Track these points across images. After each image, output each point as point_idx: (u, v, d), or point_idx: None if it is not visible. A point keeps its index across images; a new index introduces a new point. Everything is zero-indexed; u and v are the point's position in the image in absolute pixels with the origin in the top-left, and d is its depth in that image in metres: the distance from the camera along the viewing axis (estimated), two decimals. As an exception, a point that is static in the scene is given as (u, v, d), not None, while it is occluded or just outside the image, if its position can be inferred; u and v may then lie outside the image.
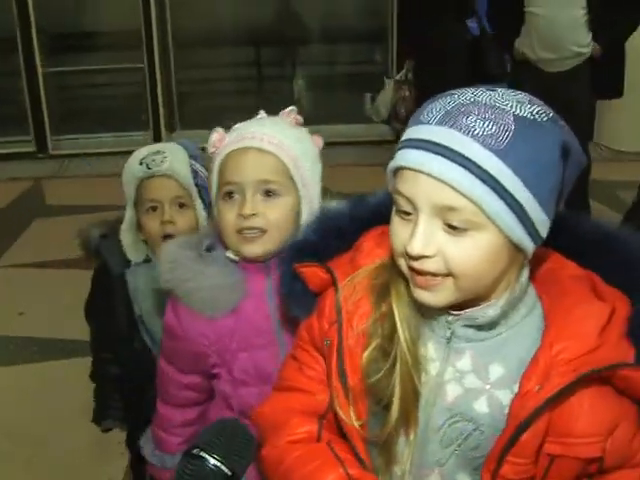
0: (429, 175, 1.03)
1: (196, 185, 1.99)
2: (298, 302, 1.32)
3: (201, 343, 1.62)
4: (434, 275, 1.08)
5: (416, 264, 1.08)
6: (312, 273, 1.26)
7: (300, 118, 1.67)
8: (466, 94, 1.07)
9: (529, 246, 1.07)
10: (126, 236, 2.01)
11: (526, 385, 1.09)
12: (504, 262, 1.08)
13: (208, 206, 1.95)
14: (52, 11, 7.12)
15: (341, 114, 7.53)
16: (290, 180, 1.55)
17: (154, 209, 1.96)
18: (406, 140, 1.08)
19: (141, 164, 1.96)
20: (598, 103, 5.83)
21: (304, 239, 1.31)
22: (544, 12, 4.63)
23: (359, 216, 1.27)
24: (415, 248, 1.06)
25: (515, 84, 4.81)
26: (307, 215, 1.55)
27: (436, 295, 1.10)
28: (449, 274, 1.07)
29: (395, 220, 1.12)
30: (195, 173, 2.00)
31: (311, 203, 1.59)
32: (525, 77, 4.70)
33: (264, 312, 1.59)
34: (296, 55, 8.20)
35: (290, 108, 1.65)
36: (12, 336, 3.82)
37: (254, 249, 1.54)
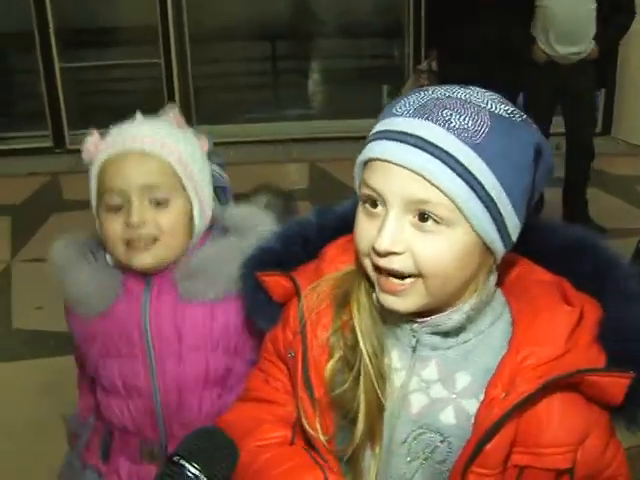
0: (402, 166, 0.99)
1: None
2: (262, 313, 1.27)
3: (79, 343, 1.58)
4: (402, 277, 1.03)
5: (383, 262, 1.02)
6: (275, 282, 1.21)
7: (181, 118, 1.53)
8: (440, 90, 1.03)
9: (500, 249, 1.04)
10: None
11: (491, 393, 1.03)
12: (475, 263, 1.04)
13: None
14: (69, 7, 7.15)
15: (357, 108, 7.51)
16: (179, 183, 1.44)
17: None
18: (377, 132, 1.04)
19: None
20: (616, 98, 5.81)
21: (267, 248, 1.26)
22: (561, 6, 4.61)
23: (326, 225, 1.23)
24: (383, 243, 1.00)
25: (529, 81, 4.83)
26: (199, 220, 1.48)
27: (404, 300, 1.05)
28: (418, 274, 1.02)
29: (361, 218, 1.06)
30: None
31: (203, 206, 1.49)
32: (539, 73, 4.71)
33: (135, 320, 1.48)
34: (311, 49, 8.19)
35: (170, 106, 1.55)
36: (30, 330, 3.84)
37: (145, 259, 1.44)
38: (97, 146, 1.44)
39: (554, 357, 1.02)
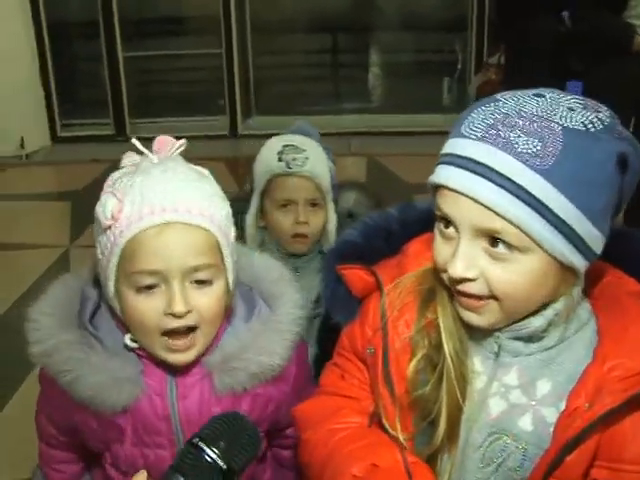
0: (468, 197, 0.98)
1: (332, 186, 1.97)
2: (340, 307, 1.26)
3: (82, 430, 1.35)
4: (479, 298, 1.03)
5: (459, 287, 1.04)
6: (355, 276, 1.20)
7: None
8: (510, 102, 1.00)
9: (580, 264, 1.01)
10: (251, 223, 1.99)
11: (574, 402, 1.02)
12: (552, 282, 1.02)
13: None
14: (133, -4, 7.24)
15: (416, 103, 7.45)
16: (221, 259, 1.24)
17: (286, 206, 1.91)
18: (446, 155, 1.03)
19: (280, 160, 1.92)
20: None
21: (349, 241, 1.25)
22: None
23: (409, 220, 1.22)
24: (457, 271, 1.01)
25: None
26: (231, 295, 1.29)
27: (481, 317, 1.06)
28: (493, 297, 1.02)
29: (437, 235, 1.06)
30: (331, 174, 1.98)
31: (233, 278, 1.29)
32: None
33: (163, 413, 1.31)
34: (372, 42, 8.15)
35: (180, 143, 1.28)
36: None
37: (187, 358, 1.25)
38: (121, 212, 1.19)
39: None
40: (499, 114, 0.99)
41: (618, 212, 1.05)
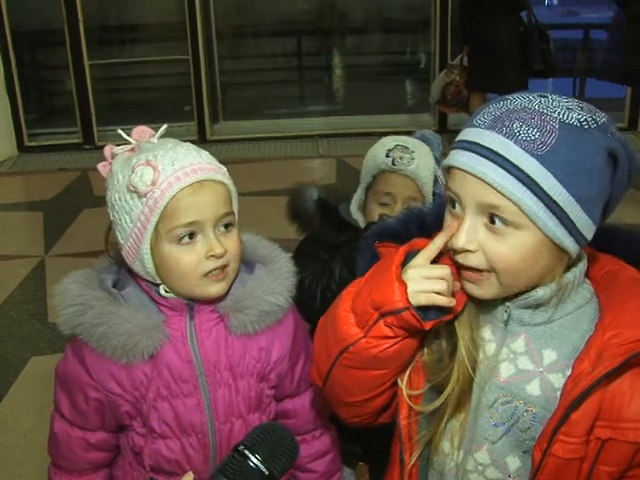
0: (473, 175, 1.10)
1: (433, 194, 1.99)
2: None
3: (113, 391, 1.46)
4: (479, 271, 1.15)
5: (460, 257, 1.16)
6: (389, 252, 1.31)
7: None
8: (518, 100, 1.12)
9: (572, 246, 1.12)
10: (357, 215, 2.06)
11: (579, 367, 1.13)
12: (545, 261, 1.13)
13: None
14: (98, 4, 7.24)
15: (382, 104, 7.54)
16: (233, 207, 1.45)
17: (385, 202, 1.97)
18: (458, 141, 1.16)
19: (388, 156, 1.98)
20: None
21: (388, 225, 1.37)
22: None
23: (441, 215, 1.30)
24: (459, 242, 1.14)
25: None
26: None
27: (481, 288, 1.17)
28: (491, 270, 1.14)
29: (446, 215, 1.19)
30: (436, 181, 2.01)
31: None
32: None
33: (186, 357, 1.45)
34: (337, 45, 8.23)
35: (162, 128, 1.45)
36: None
37: (223, 287, 1.43)
38: (158, 178, 1.35)
39: (638, 338, 1.11)
40: (506, 109, 1.12)
41: (610, 208, 1.16)
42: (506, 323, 1.22)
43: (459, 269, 1.19)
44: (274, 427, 1.11)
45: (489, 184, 1.09)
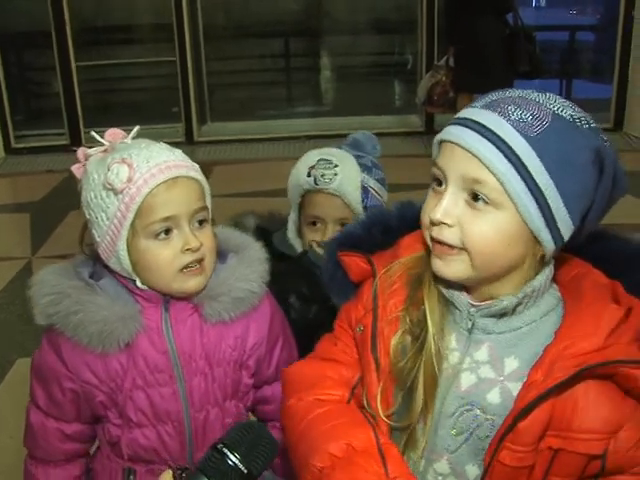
0: (461, 147, 1.11)
1: (364, 207, 1.85)
2: (338, 290, 1.38)
3: (88, 381, 1.48)
4: (451, 247, 1.15)
5: (435, 230, 1.15)
6: (353, 262, 1.32)
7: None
8: (517, 91, 1.15)
9: (548, 242, 1.12)
10: (293, 237, 1.95)
11: (533, 376, 1.13)
12: (519, 249, 1.13)
13: None
14: (85, 6, 7.23)
15: (369, 105, 7.55)
16: (207, 202, 1.49)
17: (315, 224, 1.88)
18: (453, 119, 1.17)
19: (309, 175, 1.86)
20: (628, 93, 5.80)
21: (350, 232, 1.37)
22: None
23: (406, 216, 1.32)
24: (437, 213, 1.14)
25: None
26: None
27: (449, 266, 1.17)
28: (464, 248, 1.14)
29: (428, 195, 1.19)
30: (366, 192, 1.88)
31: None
32: None
33: (161, 348, 1.48)
34: (324, 46, 8.24)
35: (135, 130, 1.48)
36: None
37: (200, 282, 1.46)
38: (134, 176, 1.38)
39: (594, 349, 1.10)
40: (505, 96, 1.15)
41: (591, 217, 1.15)
42: (470, 331, 1.21)
43: (431, 248, 1.18)
44: (253, 426, 1.12)
45: (476, 156, 1.10)
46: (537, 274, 1.17)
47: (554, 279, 1.21)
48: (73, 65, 6.93)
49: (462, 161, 1.12)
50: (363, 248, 1.32)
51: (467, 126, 1.12)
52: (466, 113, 1.16)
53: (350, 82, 8.08)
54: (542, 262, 1.17)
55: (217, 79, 7.92)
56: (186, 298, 1.49)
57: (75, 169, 1.47)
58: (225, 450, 1.04)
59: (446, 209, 1.13)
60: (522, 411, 1.11)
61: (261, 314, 1.57)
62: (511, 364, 1.19)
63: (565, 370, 1.09)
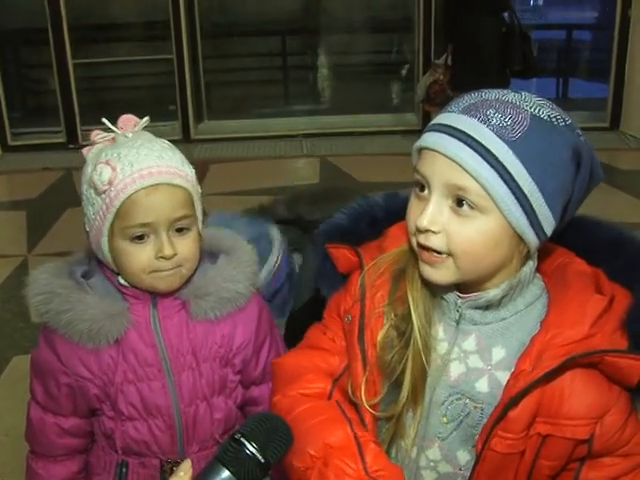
0: (443, 155, 1.12)
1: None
2: (326, 281, 1.40)
3: (82, 376, 1.52)
4: (438, 253, 1.16)
5: (422, 237, 1.16)
6: (341, 254, 1.34)
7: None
8: (493, 93, 1.15)
9: (532, 240, 1.14)
10: None
11: (520, 366, 1.16)
12: (504, 250, 1.15)
13: None
14: (82, 3, 7.22)
15: (366, 104, 7.56)
16: (193, 210, 1.48)
17: None
18: (431, 125, 1.18)
19: None
20: (625, 92, 5.80)
21: (336, 224, 1.38)
22: None
23: (393, 208, 1.34)
24: (423, 221, 1.14)
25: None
26: (201, 241, 1.52)
27: (438, 271, 1.18)
28: (450, 254, 1.15)
29: (412, 200, 1.20)
30: None
31: (201, 224, 1.54)
32: None
33: (150, 342, 1.51)
34: (322, 44, 8.24)
35: (144, 119, 1.49)
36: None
37: (174, 283, 1.48)
38: (116, 177, 1.39)
39: (579, 338, 1.13)
40: (480, 98, 1.16)
41: (570, 209, 1.18)
42: (458, 322, 1.24)
43: (418, 254, 1.20)
44: (270, 417, 1.12)
45: (458, 164, 1.10)
46: (522, 266, 1.20)
47: (538, 269, 1.23)
48: (70, 62, 6.92)
49: (444, 169, 1.12)
50: (350, 239, 1.34)
51: (447, 133, 1.13)
52: (444, 119, 1.16)
53: (347, 80, 8.08)
54: (527, 255, 1.19)
55: (214, 77, 7.92)
56: (172, 294, 1.51)
57: (85, 151, 1.49)
58: (243, 440, 1.04)
59: (432, 216, 1.14)
60: (512, 400, 1.14)
61: (248, 315, 1.58)
62: (498, 353, 1.21)
63: (553, 360, 1.13)
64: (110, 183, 1.38)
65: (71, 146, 6.98)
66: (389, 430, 1.28)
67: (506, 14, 5.79)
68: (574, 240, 1.26)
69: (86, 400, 1.55)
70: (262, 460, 1.04)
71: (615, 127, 7.10)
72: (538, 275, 1.24)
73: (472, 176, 1.10)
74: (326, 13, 8.09)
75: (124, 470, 1.60)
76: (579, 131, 1.15)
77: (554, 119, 1.12)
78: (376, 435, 1.28)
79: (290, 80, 8.62)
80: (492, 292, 1.19)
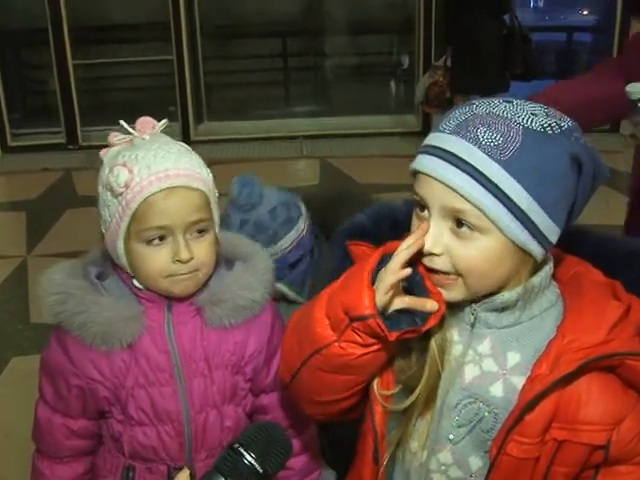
0: (439, 181, 1.11)
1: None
2: None
3: (93, 378, 1.51)
4: (446, 274, 1.16)
5: (426, 260, 1.16)
6: (361, 252, 1.33)
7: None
8: (483, 105, 1.13)
9: (537, 250, 1.14)
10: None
11: (537, 370, 1.15)
12: (510, 263, 1.15)
13: None
14: (82, 4, 7.21)
15: (367, 105, 7.56)
16: (210, 213, 1.47)
17: None
18: (424, 146, 1.17)
19: None
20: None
21: (358, 222, 1.38)
22: None
23: (412, 212, 1.33)
24: (425, 245, 1.14)
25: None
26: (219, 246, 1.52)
27: (449, 292, 1.18)
28: (457, 273, 1.15)
29: (414, 220, 1.20)
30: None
31: (218, 228, 1.53)
32: None
33: (163, 347, 1.50)
34: (322, 46, 8.24)
35: (163, 122, 1.50)
36: (48, 324, 3.89)
37: (187, 287, 1.47)
38: (133, 180, 1.39)
39: (597, 343, 1.13)
40: (471, 114, 1.14)
41: (575, 212, 1.18)
42: (472, 325, 1.23)
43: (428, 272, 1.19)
44: (268, 426, 1.12)
45: (453, 189, 1.10)
46: (533, 273, 1.19)
47: (553, 276, 1.23)
48: (70, 63, 6.90)
49: (439, 192, 1.12)
50: (370, 239, 1.33)
51: (438, 156, 1.12)
52: (435, 140, 1.15)
53: (347, 82, 8.08)
54: (535, 264, 1.18)
55: (214, 78, 7.92)
56: (189, 297, 1.50)
57: (102, 153, 1.49)
58: (241, 450, 1.05)
59: (433, 239, 1.14)
60: (529, 404, 1.13)
61: (262, 323, 1.57)
62: (513, 358, 1.21)
63: (570, 363, 1.12)
64: (127, 185, 1.38)
65: (71, 147, 6.98)
66: (398, 432, 1.28)
67: (507, 16, 5.78)
68: (589, 254, 1.26)
69: (96, 402, 1.54)
70: (260, 470, 1.04)
71: (615, 130, 7.09)
72: (554, 282, 1.24)
73: (467, 200, 1.09)
74: (326, 15, 8.09)
75: (131, 474, 1.59)
76: (577, 134, 1.13)
77: (548, 128, 1.10)
78: (387, 432, 1.28)
79: (290, 82, 8.62)
80: (507, 294, 1.18)
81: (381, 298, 1.13)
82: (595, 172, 1.15)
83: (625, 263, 1.24)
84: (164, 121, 1.49)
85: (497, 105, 1.13)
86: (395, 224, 1.35)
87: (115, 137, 1.47)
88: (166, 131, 1.51)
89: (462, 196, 1.09)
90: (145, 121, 1.48)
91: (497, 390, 1.21)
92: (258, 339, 1.57)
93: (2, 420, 3.15)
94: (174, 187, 1.39)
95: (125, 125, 1.47)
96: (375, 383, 1.27)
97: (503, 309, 1.20)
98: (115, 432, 1.56)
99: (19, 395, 3.26)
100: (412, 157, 1.20)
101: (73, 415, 1.57)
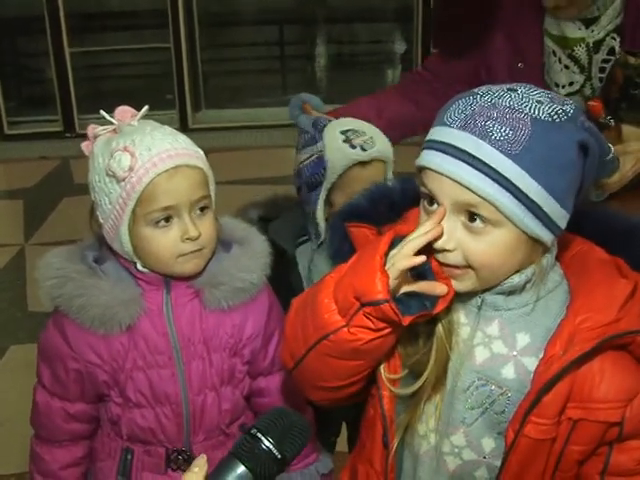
0: (449, 177, 1.11)
1: None
2: (344, 261, 1.35)
3: (92, 361, 1.52)
4: (457, 267, 1.16)
5: (439, 256, 1.17)
6: (361, 233, 1.33)
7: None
8: (487, 95, 1.12)
9: (548, 238, 1.15)
10: (321, 216, 1.82)
11: (551, 351, 1.16)
12: (522, 254, 1.16)
13: None
14: (79, -9, 7.18)
15: (364, 93, 7.50)
16: (209, 190, 1.50)
17: None
18: (430, 141, 1.16)
19: (353, 147, 1.77)
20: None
21: (356, 204, 1.38)
22: None
23: (409, 190, 1.32)
24: (438, 242, 1.14)
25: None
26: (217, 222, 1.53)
27: (460, 283, 1.19)
28: (469, 267, 1.16)
29: (422, 214, 1.20)
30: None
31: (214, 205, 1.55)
32: None
33: (161, 330, 1.52)
34: (319, 34, 8.21)
35: (144, 109, 1.50)
36: (46, 312, 3.89)
37: (198, 264, 1.49)
38: (136, 164, 1.39)
39: (608, 322, 1.14)
40: (476, 106, 1.11)
41: (582, 192, 1.18)
42: (479, 308, 1.24)
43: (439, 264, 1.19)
44: (286, 412, 1.12)
45: (466, 187, 1.10)
46: (542, 257, 1.20)
47: (555, 258, 1.24)
48: (67, 51, 6.85)
49: (450, 188, 1.12)
50: (369, 221, 1.33)
51: (447, 153, 1.11)
52: (442, 135, 1.14)
53: (345, 70, 8.06)
54: (545, 249, 1.19)
55: (212, 66, 7.88)
56: (187, 280, 1.51)
57: (84, 146, 1.49)
58: (259, 435, 1.04)
59: (446, 236, 1.14)
60: (546, 385, 1.15)
61: (259, 306, 1.59)
62: (523, 339, 1.22)
63: (584, 343, 1.13)
64: (131, 169, 1.39)
65: (68, 135, 6.95)
66: (406, 416, 1.28)
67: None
68: (591, 231, 1.26)
69: (94, 386, 1.55)
70: (278, 455, 1.04)
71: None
72: (557, 263, 1.25)
73: (479, 195, 1.09)
74: (324, 3, 8.06)
75: (129, 457, 1.60)
76: (582, 118, 1.13)
77: (555, 115, 1.10)
78: (393, 419, 1.28)
79: (288, 70, 8.59)
80: (516, 278, 1.19)
81: (391, 282, 1.13)
82: (600, 152, 1.15)
83: (627, 240, 1.24)
84: (145, 107, 1.50)
85: (502, 95, 1.12)
86: (392, 204, 1.35)
87: (95, 129, 1.47)
88: (164, 119, 1.52)
89: (475, 192, 1.09)
90: (124, 110, 1.49)
91: (509, 372, 1.22)
92: (255, 322, 1.58)
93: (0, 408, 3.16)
94: (177, 166, 1.41)
95: (106, 115, 1.48)
96: (382, 367, 1.27)
97: (510, 292, 1.21)
98: (113, 415, 1.57)
99: (17, 383, 3.27)
100: (411, 145, 1.20)
101: (71, 399, 1.58)
